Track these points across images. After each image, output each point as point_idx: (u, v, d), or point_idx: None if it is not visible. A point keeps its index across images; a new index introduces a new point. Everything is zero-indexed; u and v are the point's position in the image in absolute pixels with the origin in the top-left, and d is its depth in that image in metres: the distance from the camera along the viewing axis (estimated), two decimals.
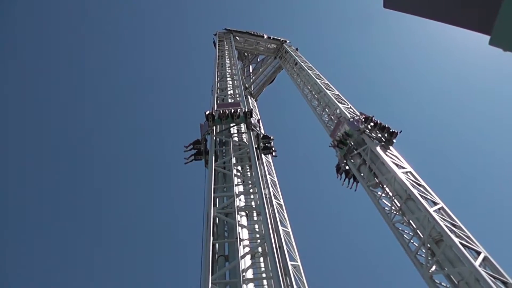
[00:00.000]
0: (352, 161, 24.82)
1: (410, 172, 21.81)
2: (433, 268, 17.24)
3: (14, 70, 74.31)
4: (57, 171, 71.13)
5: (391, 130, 24.40)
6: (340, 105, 28.58)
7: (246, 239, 15.18)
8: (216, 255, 14.47)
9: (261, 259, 14.82)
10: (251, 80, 44.35)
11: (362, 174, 23.75)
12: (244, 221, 16.26)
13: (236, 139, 21.50)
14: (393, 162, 21.97)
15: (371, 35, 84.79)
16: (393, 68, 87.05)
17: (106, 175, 72.72)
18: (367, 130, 24.31)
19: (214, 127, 21.50)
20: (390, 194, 21.20)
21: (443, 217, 18.29)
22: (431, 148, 70.06)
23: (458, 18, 3.22)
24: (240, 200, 17.03)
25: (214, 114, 21.99)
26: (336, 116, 28.20)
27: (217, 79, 30.72)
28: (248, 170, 19.79)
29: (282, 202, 22.45)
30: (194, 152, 21.27)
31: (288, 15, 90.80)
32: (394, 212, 20.67)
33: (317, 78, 33.64)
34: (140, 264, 64.39)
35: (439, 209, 19.02)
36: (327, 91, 31.04)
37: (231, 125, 22.02)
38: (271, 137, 22.63)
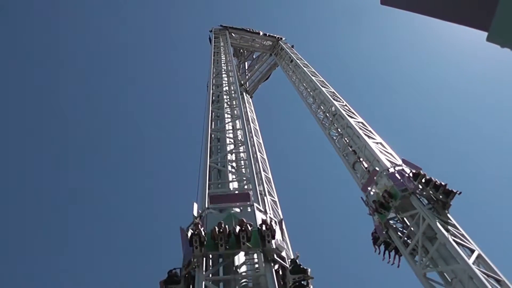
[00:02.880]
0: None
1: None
2: (427, 265, 17.30)
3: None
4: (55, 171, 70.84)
5: (447, 189, 18.86)
6: (335, 102, 28.64)
7: None
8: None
9: None
10: (247, 77, 44.42)
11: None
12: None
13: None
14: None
15: (365, 33, 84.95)
16: (391, 66, 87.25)
17: (101, 172, 72.48)
18: (418, 191, 18.98)
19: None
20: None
21: (437, 215, 18.30)
22: (425, 142, 70.22)
23: (456, 14, 3.21)
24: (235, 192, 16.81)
25: (202, 232, 12.33)
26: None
27: (213, 75, 30.71)
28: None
29: (276, 199, 22.58)
30: None
31: (286, 13, 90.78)
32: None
33: (312, 76, 33.74)
34: (132, 255, 64.36)
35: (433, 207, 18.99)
36: (323, 89, 31.14)
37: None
38: (308, 270, 12.54)
